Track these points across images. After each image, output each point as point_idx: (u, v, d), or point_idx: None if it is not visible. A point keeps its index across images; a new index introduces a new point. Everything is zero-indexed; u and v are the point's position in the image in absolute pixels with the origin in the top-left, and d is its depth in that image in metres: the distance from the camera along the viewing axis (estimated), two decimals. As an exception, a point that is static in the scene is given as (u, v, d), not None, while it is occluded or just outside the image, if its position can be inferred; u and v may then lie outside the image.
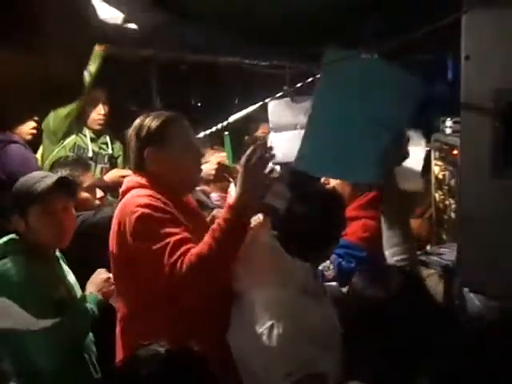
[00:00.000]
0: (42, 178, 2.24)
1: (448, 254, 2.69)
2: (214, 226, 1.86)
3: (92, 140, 3.70)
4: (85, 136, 3.69)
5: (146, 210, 1.92)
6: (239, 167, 1.86)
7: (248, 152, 1.84)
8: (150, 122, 2.09)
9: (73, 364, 2.17)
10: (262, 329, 1.83)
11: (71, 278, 2.37)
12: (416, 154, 3.19)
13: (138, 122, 2.12)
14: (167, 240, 1.87)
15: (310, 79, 2.83)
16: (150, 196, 1.97)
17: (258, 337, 1.83)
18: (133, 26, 2.58)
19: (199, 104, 5.57)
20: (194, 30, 2.56)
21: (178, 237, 1.89)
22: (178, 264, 1.83)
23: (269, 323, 1.82)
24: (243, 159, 1.84)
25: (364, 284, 1.65)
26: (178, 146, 2.09)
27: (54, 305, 2.15)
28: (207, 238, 1.85)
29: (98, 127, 3.73)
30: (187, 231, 1.95)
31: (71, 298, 2.28)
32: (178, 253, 1.84)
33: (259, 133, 3.81)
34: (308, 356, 1.79)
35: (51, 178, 2.24)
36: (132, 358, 1.46)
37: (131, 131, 2.12)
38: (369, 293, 1.61)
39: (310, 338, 1.82)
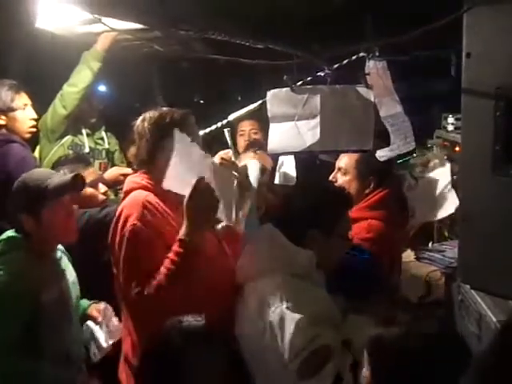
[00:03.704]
0: (51, 175, 2.23)
1: (450, 251, 2.69)
2: (169, 257, 1.96)
3: (88, 135, 3.72)
4: (81, 133, 3.70)
5: (138, 227, 2.00)
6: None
7: (190, 192, 1.93)
8: (172, 113, 2.14)
9: None
10: (268, 316, 1.88)
11: (71, 276, 2.36)
12: (442, 180, 3.16)
13: (154, 113, 2.16)
14: (140, 266, 1.98)
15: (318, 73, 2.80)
16: (144, 207, 2.04)
17: (265, 324, 1.88)
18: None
19: (201, 101, 5.57)
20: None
21: (149, 266, 1.98)
22: (140, 292, 1.94)
23: (275, 309, 1.87)
24: (186, 199, 1.94)
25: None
26: (194, 139, 2.10)
27: (42, 307, 2.12)
28: (163, 268, 1.96)
29: (92, 120, 3.76)
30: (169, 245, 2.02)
31: (64, 299, 2.26)
32: (141, 284, 1.95)
33: (239, 131, 3.79)
34: (312, 334, 1.84)
35: (61, 176, 2.24)
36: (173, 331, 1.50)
37: (145, 123, 2.15)
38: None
39: (312, 318, 1.87)
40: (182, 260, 1.93)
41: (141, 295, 1.94)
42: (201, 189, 1.93)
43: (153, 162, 2.13)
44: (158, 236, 2.02)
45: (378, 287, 2.38)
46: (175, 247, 1.95)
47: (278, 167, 2.82)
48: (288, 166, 2.89)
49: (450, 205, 3.10)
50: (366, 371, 1.53)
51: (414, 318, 1.57)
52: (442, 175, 3.13)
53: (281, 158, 2.82)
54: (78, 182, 2.22)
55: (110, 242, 2.09)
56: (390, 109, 2.49)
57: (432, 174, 3.15)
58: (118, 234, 2.05)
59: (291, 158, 2.88)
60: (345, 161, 2.74)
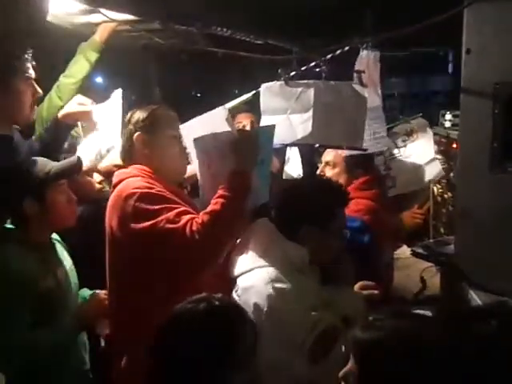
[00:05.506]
0: (50, 162, 2.24)
1: (446, 247, 2.69)
2: (220, 191, 1.94)
3: (83, 127, 3.68)
4: (76, 125, 3.67)
5: (145, 190, 1.99)
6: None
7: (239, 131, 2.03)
8: (142, 111, 2.20)
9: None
10: (263, 308, 1.87)
11: (68, 263, 2.32)
12: (424, 147, 3.16)
13: (130, 113, 2.23)
14: (169, 213, 1.92)
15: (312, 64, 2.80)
16: (143, 181, 2.04)
17: (260, 316, 1.86)
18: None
19: (199, 94, 5.56)
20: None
21: (181, 208, 1.96)
22: (188, 227, 1.88)
23: (269, 301, 1.87)
24: (238, 134, 2.00)
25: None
26: (165, 134, 2.16)
27: (37, 297, 2.08)
28: (214, 200, 1.93)
29: None
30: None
31: (60, 289, 2.20)
32: (186, 218, 1.91)
33: (236, 123, 3.80)
34: (313, 319, 1.85)
35: (64, 160, 2.31)
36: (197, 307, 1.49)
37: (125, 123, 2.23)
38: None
39: (310, 305, 1.88)
40: (233, 189, 1.93)
41: (192, 229, 1.87)
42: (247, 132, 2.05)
43: (130, 159, 2.18)
44: (168, 196, 2.01)
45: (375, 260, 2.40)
46: (227, 179, 1.95)
47: (285, 163, 2.84)
48: (294, 162, 2.91)
49: (432, 172, 3.13)
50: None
51: (403, 320, 1.54)
52: (424, 144, 3.15)
53: (287, 155, 2.84)
54: (80, 164, 2.29)
55: (118, 229, 2.02)
56: (370, 101, 2.48)
57: (415, 143, 3.15)
58: (128, 212, 1.98)
59: (297, 153, 2.89)
60: (332, 154, 2.77)
